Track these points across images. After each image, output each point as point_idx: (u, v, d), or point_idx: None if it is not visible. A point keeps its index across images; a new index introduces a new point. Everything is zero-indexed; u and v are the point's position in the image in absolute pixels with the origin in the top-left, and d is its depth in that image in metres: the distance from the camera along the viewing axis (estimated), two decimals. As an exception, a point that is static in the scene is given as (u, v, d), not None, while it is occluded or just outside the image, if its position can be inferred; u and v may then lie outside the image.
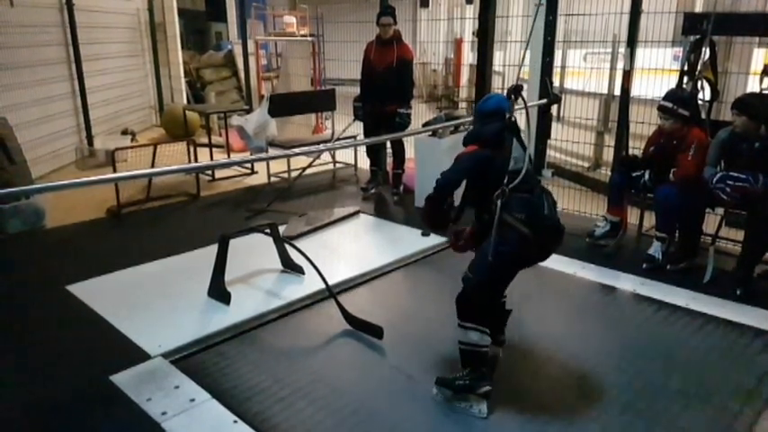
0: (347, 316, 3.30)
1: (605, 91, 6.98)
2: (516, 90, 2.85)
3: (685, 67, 4.39)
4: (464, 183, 2.86)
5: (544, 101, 4.91)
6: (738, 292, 3.63)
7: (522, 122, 2.90)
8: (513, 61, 5.94)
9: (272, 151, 6.07)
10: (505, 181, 2.61)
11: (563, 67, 7.31)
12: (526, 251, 2.65)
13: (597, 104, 6.78)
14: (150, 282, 3.85)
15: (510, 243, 2.59)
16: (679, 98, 4.04)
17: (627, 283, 3.87)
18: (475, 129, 2.92)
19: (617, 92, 5.37)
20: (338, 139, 6.13)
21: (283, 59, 9.93)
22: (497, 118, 2.79)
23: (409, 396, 2.71)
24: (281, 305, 3.52)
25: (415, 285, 4.05)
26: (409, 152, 5.74)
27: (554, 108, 5.21)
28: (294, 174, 6.12)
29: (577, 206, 5.12)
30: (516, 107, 2.91)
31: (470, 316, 2.64)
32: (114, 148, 5.40)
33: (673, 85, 4.40)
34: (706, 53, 4.27)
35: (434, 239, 4.59)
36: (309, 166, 6.13)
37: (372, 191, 5.88)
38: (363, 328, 3.22)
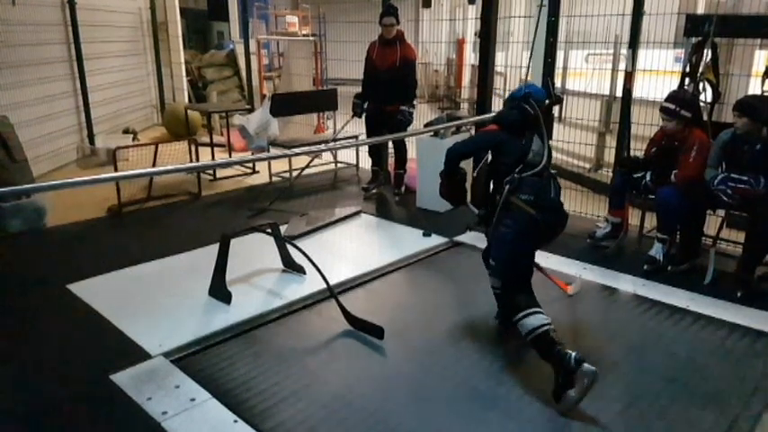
0: (348, 316, 3.30)
1: (607, 92, 6.98)
2: (525, 98, 3.07)
3: (687, 69, 4.39)
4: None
5: (546, 102, 4.90)
6: (739, 294, 3.63)
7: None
8: (514, 62, 5.94)
9: (274, 151, 6.07)
10: (518, 169, 2.89)
11: (565, 68, 7.31)
12: (534, 229, 2.87)
13: (599, 105, 6.77)
14: (151, 281, 3.86)
15: (519, 222, 2.85)
16: (681, 99, 4.04)
17: (628, 284, 3.87)
18: (502, 110, 3.20)
19: (619, 93, 5.36)
20: (338, 138, 6.13)
21: (285, 59, 9.94)
22: (522, 107, 3.02)
23: (410, 396, 2.71)
24: (282, 305, 3.52)
25: (417, 286, 4.05)
26: (411, 152, 5.74)
27: (555, 109, 5.20)
28: (295, 173, 6.12)
29: (578, 207, 5.12)
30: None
31: (517, 306, 2.79)
32: (115, 147, 5.40)
33: (674, 86, 4.40)
34: (708, 55, 4.26)
35: (436, 240, 4.59)
36: (309, 164, 6.15)
37: (374, 191, 5.88)
38: (364, 329, 3.22)
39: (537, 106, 3.01)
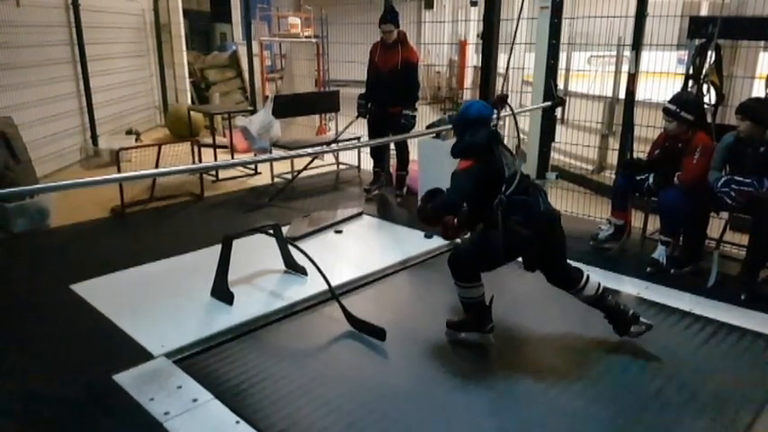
0: (350, 317, 3.30)
1: (610, 94, 6.98)
2: (502, 99, 3.04)
3: (691, 71, 4.38)
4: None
5: (549, 103, 4.90)
6: (742, 297, 3.62)
7: (506, 130, 3.04)
8: (517, 64, 5.93)
9: (276, 152, 6.08)
10: (503, 188, 2.81)
11: (567, 70, 7.30)
12: (518, 247, 2.89)
13: (602, 107, 6.77)
14: (154, 281, 3.86)
15: (508, 238, 2.82)
16: (683, 101, 4.03)
17: (630, 286, 3.86)
18: (463, 140, 2.97)
19: (622, 95, 5.35)
20: (340, 140, 6.14)
21: (288, 60, 9.94)
22: (481, 125, 2.93)
23: (411, 397, 2.71)
24: (284, 306, 3.52)
25: (418, 287, 4.05)
26: (413, 154, 5.74)
27: (558, 110, 5.20)
28: (295, 174, 6.13)
29: (581, 209, 5.11)
30: (504, 114, 3.02)
31: (464, 277, 3.04)
32: (119, 148, 5.42)
33: (678, 88, 4.39)
34: (711, 57, 4.26)
35: (437, 241, 4.59)
36: (308, 165, 6.17)
37: (375, 192, 5.89)
38: (366, 330, 3.22)
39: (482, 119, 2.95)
